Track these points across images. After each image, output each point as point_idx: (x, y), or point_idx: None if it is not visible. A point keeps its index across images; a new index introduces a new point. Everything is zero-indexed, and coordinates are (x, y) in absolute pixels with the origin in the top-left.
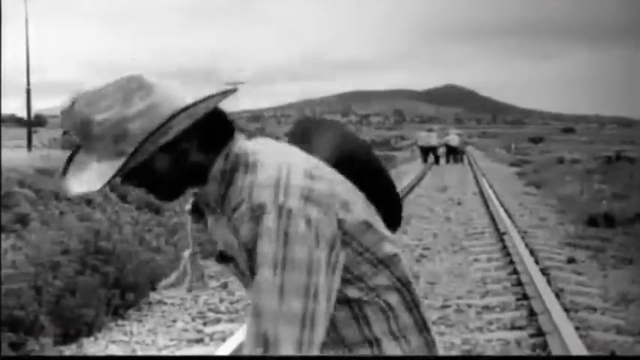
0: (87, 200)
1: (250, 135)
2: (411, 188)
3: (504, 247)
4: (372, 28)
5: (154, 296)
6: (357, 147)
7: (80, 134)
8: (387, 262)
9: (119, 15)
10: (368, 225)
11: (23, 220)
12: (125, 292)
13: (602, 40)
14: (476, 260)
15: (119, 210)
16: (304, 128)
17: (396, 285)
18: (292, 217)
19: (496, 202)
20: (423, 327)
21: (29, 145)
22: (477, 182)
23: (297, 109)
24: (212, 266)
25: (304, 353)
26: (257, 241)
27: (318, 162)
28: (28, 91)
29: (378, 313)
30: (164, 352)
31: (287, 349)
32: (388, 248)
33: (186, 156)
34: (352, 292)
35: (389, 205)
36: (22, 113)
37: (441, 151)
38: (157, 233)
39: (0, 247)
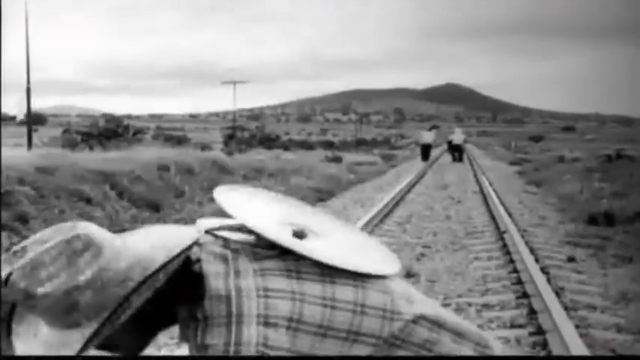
0: (87, 198)
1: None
2: (412, 186)
3: (504, 245)
4: (372, 27)
5: None
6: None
7: (25, 307)
8: None
9: (118, 13)
10: None
11: (23, 218)
12: None
13: (603, 39)
14: (476, 259)
15: (118, 208)
16: None
17: None
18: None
19: (496, 201)
20: None
21: (29, 144)
22: (477, 181)
23: (297, 108)
24: None
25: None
26: None
27: None
28: (28, 90)
29: None
30: (163, 350)
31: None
32: None
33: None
34: None
35: None
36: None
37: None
38: None
39: (0, 245)
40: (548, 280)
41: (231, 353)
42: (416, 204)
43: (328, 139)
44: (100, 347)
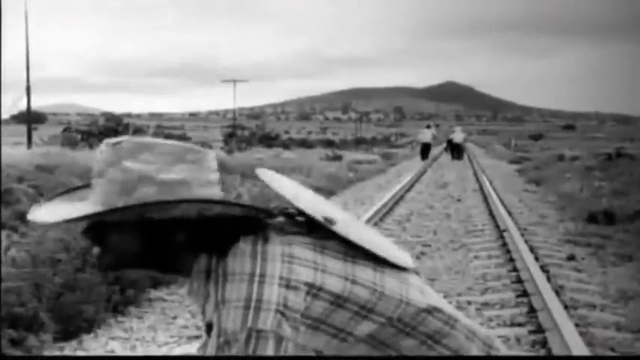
0: None
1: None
2: (412, 185)
3: (504, 244)
4: (372, 25)
5: (154, 293)
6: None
7: (98, 170)
8: None
9: (117, 11)
10: None
11: (23, 216)
12: (125, 288)
13: (602, 36)
14: (476, 257)
15: None
16: None
17: None
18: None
19: (496, 199)
20: None
21: (29, 142)
22: (477, 179)
23: (297, 106)
24: None
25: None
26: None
27: None
28: (28, 89)
29: None
30: (164, 349)
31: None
32: None
33: (164, 242)
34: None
35: None
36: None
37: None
38: None
39: (0, 244)
40: (548, 279)
41: (251, 310)
42: (416, 202)
43: (328, 138)
44: (96, 242)
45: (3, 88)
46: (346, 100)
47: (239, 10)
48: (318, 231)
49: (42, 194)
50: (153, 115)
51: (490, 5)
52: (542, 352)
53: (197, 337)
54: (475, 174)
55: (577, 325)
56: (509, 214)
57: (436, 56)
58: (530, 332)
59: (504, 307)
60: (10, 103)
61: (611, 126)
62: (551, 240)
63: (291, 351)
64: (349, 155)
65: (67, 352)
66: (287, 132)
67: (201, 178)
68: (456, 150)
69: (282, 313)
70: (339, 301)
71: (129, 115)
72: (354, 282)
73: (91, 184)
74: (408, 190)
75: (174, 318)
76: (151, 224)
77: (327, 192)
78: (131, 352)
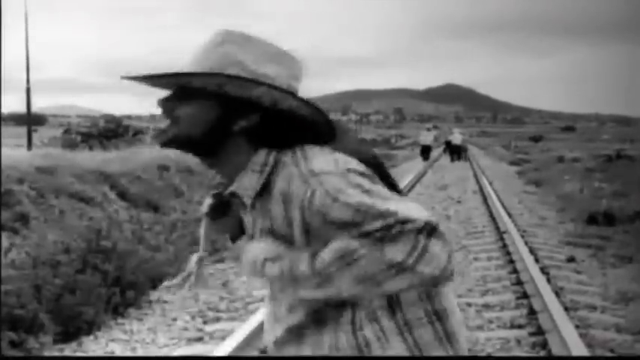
0: (86, 198)
1: None
2: (412, 186)
3: (504, 245)
4: (372, 26)
5: (154, 295)
6: (370, 152)
7: (201, 47)
8: None
9: (117, 11)
10: None
11: (23, 218)
12: (125, 290)
13: (602, 37)
14: (476, 259)
15: (118, 208)
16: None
17: None
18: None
19: (496, 201)
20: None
21: (29, 144)
22: (477, 181)
23: None
24: (212, 264)
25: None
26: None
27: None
28: (28, 90)
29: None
30: (164, 351)
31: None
32: None
33: (231, 123)
34: None
35: None
36: (21, 111)
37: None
38: (157, 231)
39: (0, 245)
40: (548, 280)
41: (367, 195)
42: None
43: None
44: (170, 116)
45: (3, 89)
46: (346, 101)
47: (239, 10)
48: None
49: (42, 196)
50: (153, 117)
51: (490, 7)
52: (542, 354)
53: (197, 340)
54: (475, 175)
55: (577, 326)
56: (509, 215)
57: (436, 58)
58: (531, 334)
59: (504, 308)
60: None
61: (611, 127)
62: (551, 241)
63: None
64: None
65: (67, 354)
66: None
67: (285, 81)
68: (455, 152)
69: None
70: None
71: (129, 117)
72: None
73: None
74: (408, 192)
75: (174, 320)
76: (227, 101)
77: None
78: (131, 353)
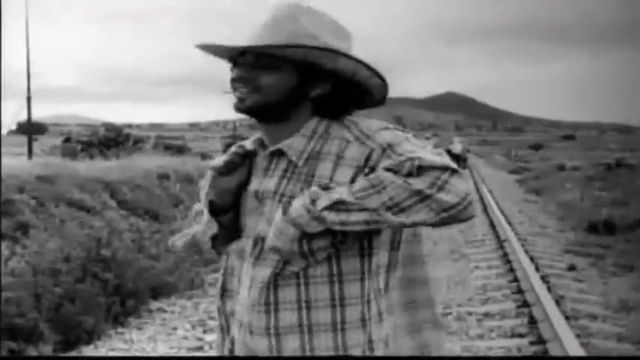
0: (87, 207)
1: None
2: None
3: (504, 254)
4: (371, 34)
5: (154, 304)
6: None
7: (272, 17)
8: None
9: (117, 20)
10: None
11: (24, 227)
12: (125, 299)
13: (603, 46)
14: (476, 268)
15: (118, 217)
16: None
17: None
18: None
19: (496, 209)
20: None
21: (29, 153)
22: (477, 189)
23: None
24: (211, 274)
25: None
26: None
27: None
28: (29, 99)
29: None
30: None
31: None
32: None
33: (307, 90)
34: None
35: None
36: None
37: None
38: (157, 240)
39: (0, 254)
40: (549, 289)
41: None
42: None
43: None
44: (248, 79)
45: (3, 97)
46: None
47: (239, 19)
48: None
49: (42, 205)
50: (153, 126)
51: (489, 14)
52: None
53: (197, 349)
54: (475, 184)
55: (578, 335)
56: (510, 224)
57: (436, 66)
58: (531, 343)
59: (505, 317)
60: (8, 120)
61: (611, 136)
62: (552, 250)
63: None
64: None
65: None
66: None
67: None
68: (454, 160)
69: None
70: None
71: (129, 126)
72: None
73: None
74: None
75: (175, 329)
76: (305, 70)
77: None
78: None
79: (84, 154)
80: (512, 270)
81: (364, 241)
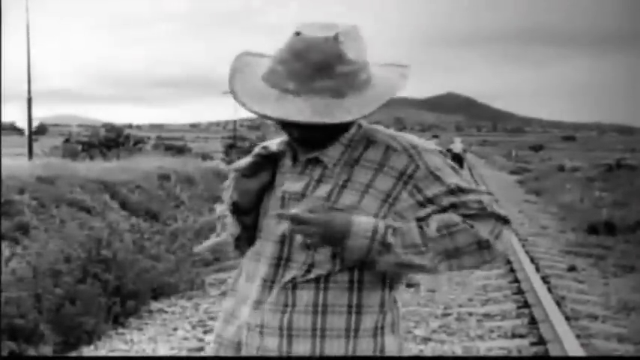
0: (87, 208)
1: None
2: None
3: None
4: (372, 36)
5: (154, 304)
6: None
7: (319, 61)
8: None
9: (118, 22)
10: None
11: (24, 228)
12: (125, 300)
13: (603, 47)
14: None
15: (119, 218)
16: None
17: None
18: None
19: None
20: None
21: (30, 154)
22: None
23: None
24: (212, 274)
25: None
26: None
27: None
28: (29, 100)
29: None
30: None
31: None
32: None
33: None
34: None
35: None
36: (22, 121)
37: None
38: (157, 241)
39: (0, 255)
40: (549, 290)
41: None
42: None
43: None
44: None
45: (3, 99)
46: None
47: (240, 21)
48: None
49: (43, 205)
50: (153, 126)
51: (491, 16)
52: None
53: (198, 350)
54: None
55: (578, 336)
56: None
57: (437, 67)
58: (532, 344)
59: (505, 318)
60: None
61: (612, 136)
62: (552, 251)
63: None
64: None
65: None
66: None
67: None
68: (455, 160)
69: None
70: None
71: (129, 126)
72: None
73: (299, 69)
74: None
75: (175, 329)
76: None
77: None
78: None
79: (84, 154)
80: (512, 271)
81: None
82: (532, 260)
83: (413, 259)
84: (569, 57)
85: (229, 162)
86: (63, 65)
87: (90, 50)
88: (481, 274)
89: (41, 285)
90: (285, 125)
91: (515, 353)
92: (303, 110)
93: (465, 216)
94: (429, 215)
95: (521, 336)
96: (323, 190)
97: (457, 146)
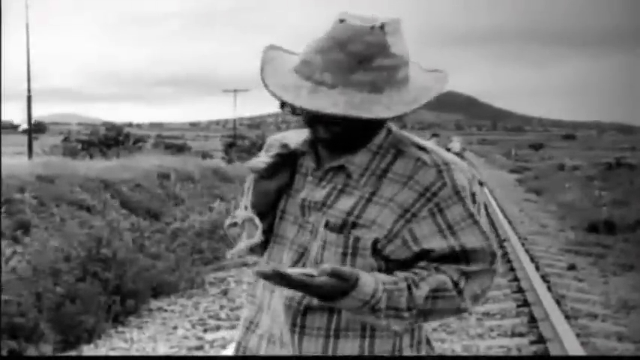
0: (87, 206)
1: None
2: None
3: (505, 253)
4: None
5: (154, 303)
6: None
7: (361, 52)
8: None
9: (118, 21)
10: None
11: (24, 226)
12: (125, 298)
13: (602, 47)
14: None
15: (119, 217)
16: None
17: None
18: (481, 194)
19: (496, 209)
20: None
21: (30, 152)
22: None
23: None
24: (212, 273)
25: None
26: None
27: None
28: (29, 98)
29: None
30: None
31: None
32: None
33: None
34: None
35: None
36: (17, 119)
37: None
38: (157, 240)
39: (0, 253)
40: (549, 289)
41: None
42: None
43: None
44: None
45: (3, 97)
46: None
47: (240, 21)
48: None
49: (43, 204)
50: (153, 125)
51: (491, 15)
52: None
53: (197, 348)
54: None
55: (578, 335)
56: (510, 223)
57: (437, 66)
58: (532, 342)
59: (505, 317)
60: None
61: (611, 135)
62: (552, 249)
63: None
64: None
65: None
66: None
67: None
68: None
69: None
70: None
71: (129, 125)
72: None
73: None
74: None
75: (175, 328)
76: None
77: None
78: None
79: (84, 153)
80: (512, 269)
81: None
82: (532, 259)
83: (389, 324)
84: (569, 56)
85: (229, 160)
86: (63, 64)
87: (90, 49)
88: None
89: (41, 284)
90: (313, 122)
91: (514, 352)
92: (337, 103)
93: (462, 273)
94: (432, 251)
95: (520, 335)
96: (345, 202)
97: (455, 145)
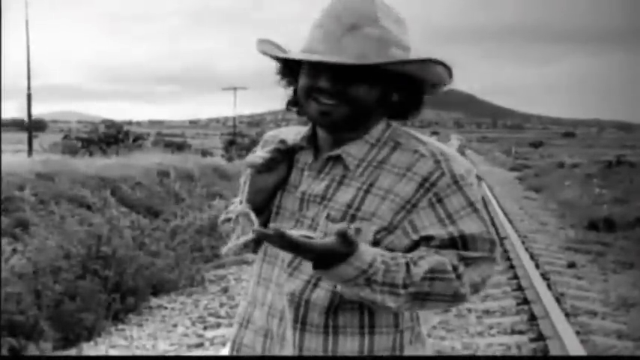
0: (87, 204)
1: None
2: None
3: (505, 251)
4: None
5: (154, 301)
6: None
7: (350, 21)
8: None
9: (118, 18)
10: None
11: (24, 224)
12: (125, 296)
13: (602, 45)
14: None
15: (119, 214)
16: None
17: None
18: (478, 188)
19: (496, 207)
20: None
21: (29, 150)
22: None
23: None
24: (212, 271)
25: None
26: (457, 199)
27: None
28: (29, 96)
29: None
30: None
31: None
32: None
33: (389, 97)
34: None
35: None
36: (22, 117)
37: None
38: (157, 237)
39: (0, 252)
40: (549, 286)
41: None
42: None
43: None
44: (337, 91)
45: (3, 95)
46: None
47: (239, 18)
48: None
49: (43, 202)
50: (153, 123)
51: (490, 13)
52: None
53: (197, 346)
54: None
55: (578, 332)
56: (510, 221)
57: None
58: (532, 340)
59: (505, 314)
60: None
61: (611, 133)
62: (552, 247)
63: None
64: None
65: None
66: None
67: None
68: None
69: None
70: None
71: (129, 123)
72: None
73: (330, 30)
74: None
75: (175, 326)
76: (390, 78)
77: None
78: None
79: (84, 151)
80: (512, 267)
81: None
82: (532, 257)
83: (384, 300)
84: (569, 54)
85: (229, 158)
86: (63, 62)
87: (90, 47)
88: None
89: (41, 281)
90: (310, 93)
91: (514, 350)
92: (332, 59)
93: (461, 258)
94: (431, 238)
95: (520, 332)
96: (345, 194)
97: (454, 143)
